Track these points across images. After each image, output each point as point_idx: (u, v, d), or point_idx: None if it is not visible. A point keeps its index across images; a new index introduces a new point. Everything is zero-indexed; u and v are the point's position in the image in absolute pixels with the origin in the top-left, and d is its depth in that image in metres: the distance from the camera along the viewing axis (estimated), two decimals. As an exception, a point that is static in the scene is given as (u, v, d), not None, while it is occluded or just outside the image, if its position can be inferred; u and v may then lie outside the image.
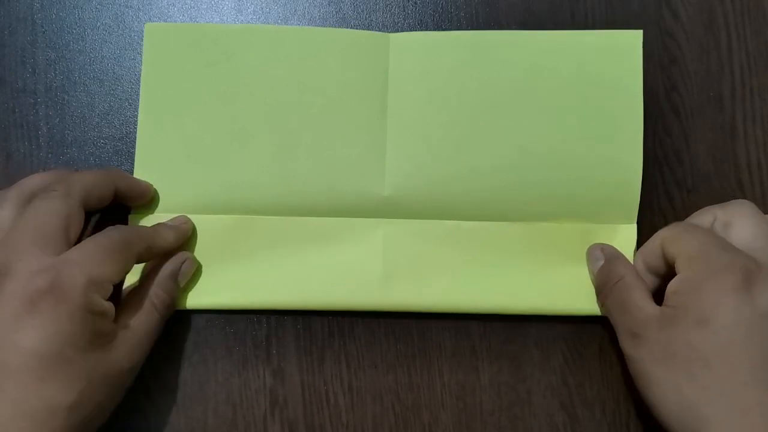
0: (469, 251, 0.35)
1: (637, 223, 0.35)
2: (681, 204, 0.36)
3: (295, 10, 0.37)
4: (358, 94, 0.35)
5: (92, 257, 0.29)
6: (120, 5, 0.37)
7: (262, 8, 0.37)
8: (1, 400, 0.26)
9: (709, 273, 0.29)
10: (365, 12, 0.37)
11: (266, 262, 0.35)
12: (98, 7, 0.37)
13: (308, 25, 0.37)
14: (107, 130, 0.36)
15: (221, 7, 0.37)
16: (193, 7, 0.37)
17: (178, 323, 0.35)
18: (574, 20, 0.37)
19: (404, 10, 0.37)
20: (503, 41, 0.35)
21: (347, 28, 0.37)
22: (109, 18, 0.37)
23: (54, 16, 0.37)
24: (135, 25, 0.37)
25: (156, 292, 0.32)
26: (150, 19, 0.37)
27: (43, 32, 0.37)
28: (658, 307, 0.30)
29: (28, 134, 0.36)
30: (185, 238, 0.34)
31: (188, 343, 0.35)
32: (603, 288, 0.33)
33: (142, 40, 0.36)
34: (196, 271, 0.34)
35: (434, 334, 0.35)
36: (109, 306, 0.29)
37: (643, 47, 0.35)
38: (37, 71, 0.36)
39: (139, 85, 0.35)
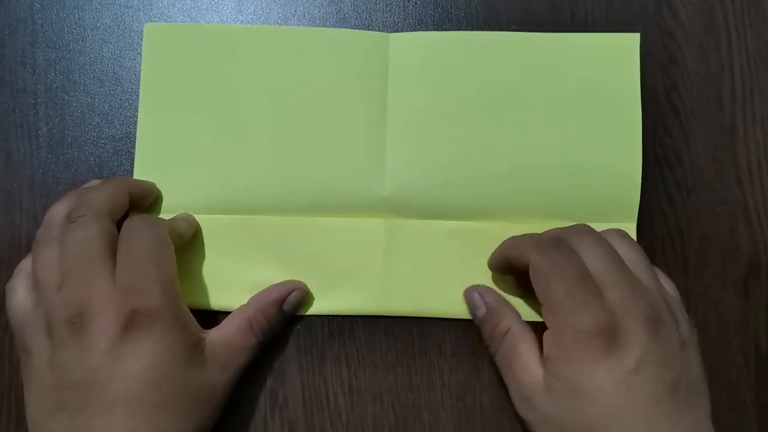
0: (469, 251, 0.35)
1: (637, 223, 0.35)
2: (681, 204, 0.36)
3: (295, 10, 0.37)
4: (358, 94, 0.35)
5: (154, 269, 0.29)
6: (120, 6, 0.37)
7: (262, 8, 0.37)
8: (122, 428, 0.26)
9: (577, 341, 0.28)
10: (365, 12, 0.37)
11: (266, 262, 0.35)
12: (98, 7, 0.37)
13: (308, 25, 0.37)
14: (107, 130, 0.36)
15: (221, 7, 0.37)
16: (194, 8, 0.37)
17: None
18: (574, 20, 0.37)
19: (404, 10, 0.37)
20: (502, 42, 0.35)
21: (347, 28, 0.37)
22: (109, 18, 0.37)
23: (54, 17, 0.37)
24: (135, 25, 0.37)
25: (256, 315, 0.32)
26: (150, 19, 0.37)
27: (44, 32, 0.37)
28: (542, 369, 0.30)
29: (28, 134, 0.36)
30: (194, 228, 0.34)
31: (188, 343, 0.35)
32: (491, 341, 0.33)
33: (142, 40, 0.36)
34: (196, 272, 0.34)
35: (434, 334, 0.35)
36: (186, 311, 0.30)
37: (643, 47, 0.35)
38: (37, 71, 0.36)
39: (139, 85, 0.35)
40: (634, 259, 0.30)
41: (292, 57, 0.35)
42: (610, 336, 0.28)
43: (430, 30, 0.37)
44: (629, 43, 0.35)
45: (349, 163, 0.35)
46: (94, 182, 0.34)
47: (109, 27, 0.37)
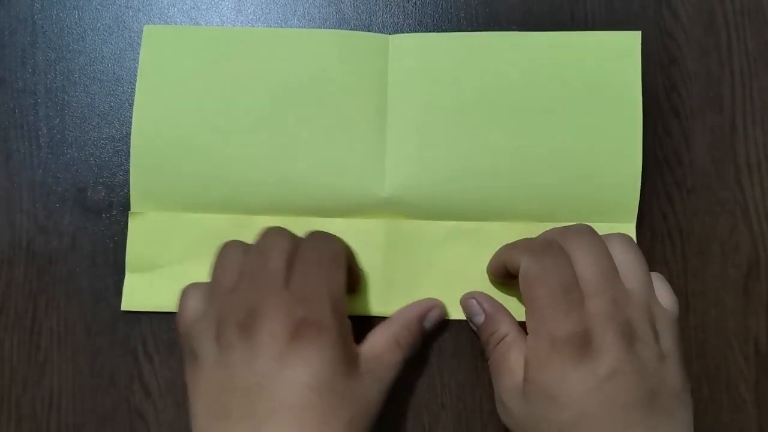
0: (469, 251, 0.35)
1: (637, 223, 0.35)
2: (681, 204, 0.36)
3: (295, 11, 0.37)
4: (358, 95, 0.35)
5: (326, 283, 0.29)
6: (120, 6, 0.37)
7: (262, 9, 0.37)
8: None
9: (552, 347, 0.28)
10: (365, 12, 0.37)
11: None
12: (98, 7, 0.37)
13: (308, 25, 0.37)
14: (107, 130, 0.36)
15: (221, 7, 0.37)
16: (193, 8, 0.37)
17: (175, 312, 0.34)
18: (574, 21, 0.37)
19: (404, 11, 0.37)
20: (502, 42, 0.35)
21: (347, 28, 0.37)
22: (110, 19, 0.37)
23: (54, 17, 0.37)
24: (135, 25, 0.37)
25: (401, 331, 0.32)
26: (150, 20, 0.37)
27: (44, 33, 0.37)
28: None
29: (28, 134, 0.36)
30: (359, 280, 0.34)
31: (188, 343, 0.35)
32: (487, 346, 0.33)
33: (141, 41, 0.36)
34: (194, 273, 0.34)
35: (434, 334, 0.35)
36: (348, 323, 0.30)
37: (643, 47, 0.35)
38: (37, 72, 0.36)
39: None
40: (631, 268, 0.30)
41: (291, 59, 0.35)
42: (583, 345, 0.28)
43: (430, 30, 0.37)
44: (630, 42, 0.35)
45: (349, 163, 0.35)
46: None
47: (109, 27, 0.37)
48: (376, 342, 0.31)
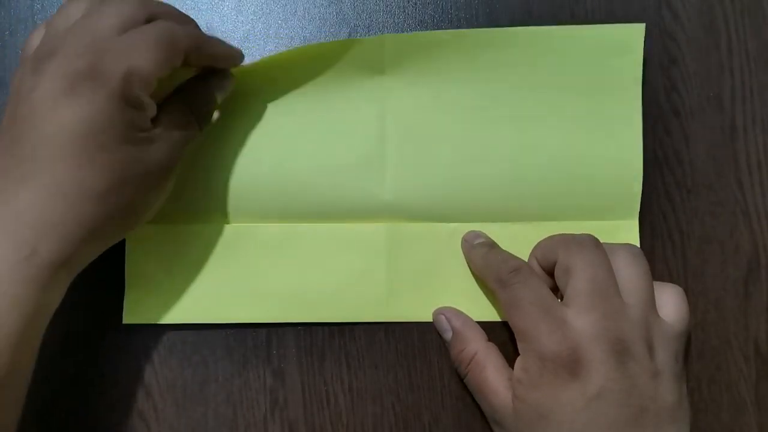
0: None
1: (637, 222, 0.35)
2: (681, 204, 0.36)
3: (295, 11, 0.37)
4: (356, 99, 0.35)
5: (136, 47, 0.28)
6: (120, 6, 0.37)
7: (262, 8, 0.37)
8: (40, 179, 0.27)
9: (542, 368, 0.29)
10: (365, 12, 0.37)
11: (267, 271, 0.35)
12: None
13: (308, 25, 0.37)
14: (107, 130, 0.36)
15: (221, 7, 0.37)
16: (194, 8, 0.37)
17: (178, 323, 0.34)
18: (574, 20, 0.37)
19: (404, 11, 0.37)
20: (501, 38, 0.35)
21: (347, 28, 0.37)
22: (110, 19, 0.37)
23: (54, 17, 0.37)
24: (135, 25, 0.37)
25: (194, 101, 0.32)
26: (150, 19, 0.37)
27: (44, 33, 0.37)
28: (511, 392, 0.30)
29: (28, 135, 0.36)
30: (233, 58, 0.33)
31: (188, 343, 0.35)
32: (458, 364, 0.33)
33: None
34: (195, 284, 0.34)
35: (434, 334, 0.35)
36: (149, 102, 0.29)
37: (644, 47, 0.35)
38: (37, 72, 0.36)
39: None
40: (631, 282, 0.30)
41: (289, 73, 0.35)
42: (572, 363, 0.28)
43: (430, 30, 0.37)
44: (634, 35, 0.35)
45: (350, 168, 0.35)
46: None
47: (110, 27, 0.37)
48: (169, 115, 0.30)
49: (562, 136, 0.35)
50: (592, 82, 0.35)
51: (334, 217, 0.35)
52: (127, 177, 0.28)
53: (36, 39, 0.30)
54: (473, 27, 0.37)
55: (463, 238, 0.35)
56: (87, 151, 0.27)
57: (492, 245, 0.34)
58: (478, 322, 0.34)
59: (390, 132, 0.35)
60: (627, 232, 0.35)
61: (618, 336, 0.28)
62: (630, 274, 0.30)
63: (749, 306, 0.35)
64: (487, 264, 0.33)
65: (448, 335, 0.34)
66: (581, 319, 0.29)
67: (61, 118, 0.27)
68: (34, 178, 0.27)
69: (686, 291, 0.32)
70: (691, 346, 0.35)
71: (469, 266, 0.35)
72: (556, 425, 0.28)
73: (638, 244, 0.35)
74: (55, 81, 0.27)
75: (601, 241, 0.32)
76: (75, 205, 0.27)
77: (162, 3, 0.31)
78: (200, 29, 0.33)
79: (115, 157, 0.27)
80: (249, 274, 0.34)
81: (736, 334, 0.35)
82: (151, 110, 0.29)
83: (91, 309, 0.35)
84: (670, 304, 0.31)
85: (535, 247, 0.33)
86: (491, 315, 0.34)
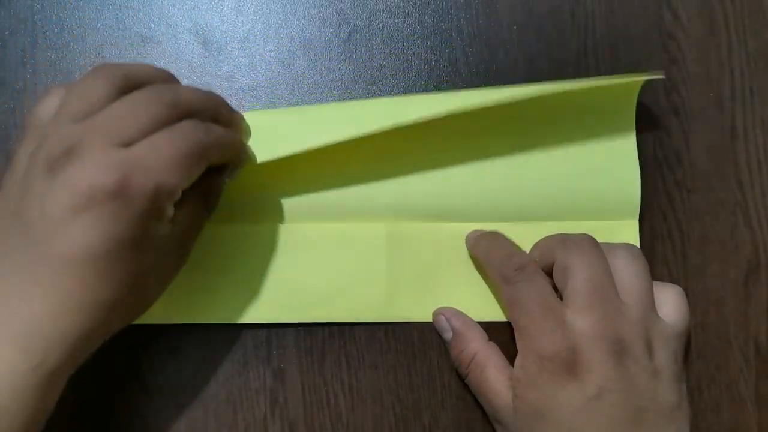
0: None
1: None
2: (681, 204, 0.36)
3: (295, 11, 0.37)
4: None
5: (164, 162, 0.26)
6: (120, 6, 0.37)
7: (262, 8, 0.37)
8: (54, 288, 0.25)
9: (541, 366, 0.29)
10: (365, 12, 0.37)
11: (266, 272, 0.34)
12: (99, 8, 0.37)
13: (308, 25, 0.37)
14: (107, 130, 0.36)
15: (221, 7, 0.37)
16: (194, 8, 0.37)
17: (178, 323, 0.34)
18: (574, 20, 0.37)
19: (404, 11, 0.37)
20: (498, 96, 0.33)
21: (347, 28, 0.37)
22: (110, 19, 0.37)
23: (54, 17, 0.37)
24: (135, 26, 0.37)
25: (208, 193, 0.30)
26: (150, 20, 0.37)
27: (44, 33, 0.37)
28: (511, 391, 0.31)
29: (28, 135, 0.36)
30: (248, 156, 0.32)
31: (188, 343, 0.35)
32: (458, 365, 0.33)
33: (142, 41, 0.36)
34: (195, 286, 0.34)
35: (434, 334, 0.35)
36: (171, 210, 0.27)
37: (643, 47, 0.35)
38: (37, 72, 0.36)
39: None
40: (629, 282, 0.30)
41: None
42: (570, 362, 0.28)
43: (431, 30, 0.37)
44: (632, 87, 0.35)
45: (349, 166, 0.35)
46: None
47: (110, 28, 0.37)
48: (180, 206, 0.28)
49: (561, 136, 0.35)
50: (589, 96, 0.35)
51: (334, 217, 0.35)
52: (142, 283, 0.27)
53: (46, 108, 0.28)
54: (473, 27, 0.37)
55: (467, 237, 0.35)
56: (104, 265, 0.26)
57: (495, 235, 0.34)
58: (479, 322, 0.34)
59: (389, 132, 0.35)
60: (627, 232, 0.35)
61: (617, 336, 0.28)
62: (628, 274, 0.30)
63: (749, 306, 0.35)
64: (491, 257, 0.33)
65: (448, 335, 0.34)
66: (580, 319, 0.29)
67: (79, 234, 0.25)
68: (47, 286, 0.25)
69: (686, 291, 0.32)
70: (691, 346, 0.35)
71: (471, 257, 0.35)
72: (555, 425, 0.28)
73: (638, 244, 0.35)
74: (74, 195, 0.25)
75: (601, 241, 0.32)
76: (88, 315, 0.26)
77: (189, 92, 0.29)
78: (223, 105, 0.31)
79: (132, 268, 0.26)
80: (249, 275, 0.34)
81: (736, 334, 0.35)
82: (171, 214, 0.28)
83: (91, 309, 0.35)
84: (670, 304, 0.31)
85: (533, 247, 0.33)
86: (492, 315, 0.34)
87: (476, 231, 0.35)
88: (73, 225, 0.25)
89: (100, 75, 0.27)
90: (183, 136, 0.27)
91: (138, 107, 0.27)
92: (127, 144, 0.26)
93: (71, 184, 0.25)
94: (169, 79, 0.30)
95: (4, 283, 0.26)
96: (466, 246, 0.35)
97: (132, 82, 0.28)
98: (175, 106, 0.27)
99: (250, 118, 0.32)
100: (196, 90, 0.29)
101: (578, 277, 0.30)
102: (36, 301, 0.25)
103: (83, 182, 0.25)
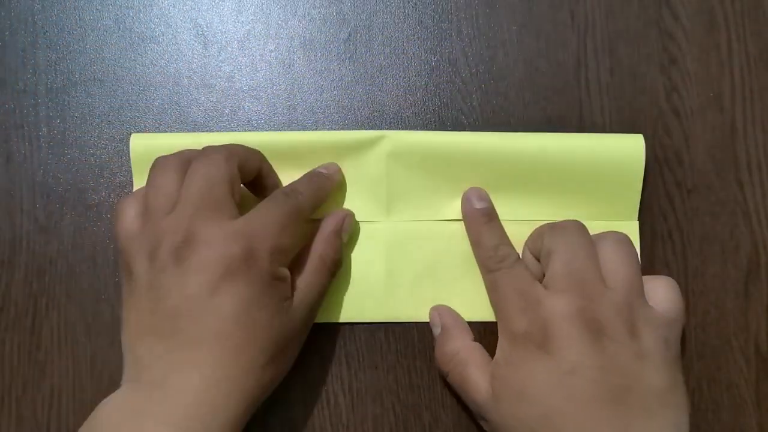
0: (470, 251, 0.35)
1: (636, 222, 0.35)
2: (681, 204, 0.36)
3: (295, 11, 0.37)
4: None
5: (272, 228, 0.29)
6: (120, 6, 0.37)
7: (262, 9, 0.37)
8: (206, 362, 0.27)
9: (514, 343, 0.30)
10: (365, 12, 0.37)
11: None
12: (99, 8, 0.37)
13: (308, 25, 0.37)
14: (108, 130, 0.36)
15: (221, 7, 0.37)
16: (194, 8, 0.37)
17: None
18: (573, 20, 0.37)
19: (404, 11, 0.37)
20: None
21: (347, 29, 0.37)
22: (110, 19, 0.37)
23: (55, 17, 0.37)
24: (135, 26, 0.37)
25: (325, 250, 0.32)
26: (151, 20, 0.37)
27: (44, 33, 0.37)
28: (490, 380, 0.31)
29: (28, 135, 0.36)
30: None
31: (188, 343, 0.35)
32: (440, 361, 0.33)
33: (142, 41, 0.36)
34: None
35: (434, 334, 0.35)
36: (287, 272, 0.30)
37: (643, 47, 0.35)
38: (37, 72, 0.37)
39: (141, 86, 0.35)
40: (614, 266, 0.30)
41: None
42: (542, 339, 0.29)
43: (431, 30, 0.37)
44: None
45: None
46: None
47: (110, 28, 0.37)
48: (303, 272, 0.32)
49: (563, 138, 0.35)
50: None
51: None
52: (283, 345, 0.29)
53: (128, 220, 0.30)
54: (473, 27, 0.37)
55: (464, 195, 0.35)
56: (246, 331, 0.28)
57: (491, 217, 0.34)
58: (479, 323, 0.34)
59: (390, 133, 0.35)
60: (627, 232, 0.35)
61: (593, 316, 0.29)
62: (614, 260, 0.30)
63: (749, 306, 0.35)
64: (480, 243, 0.33)
65: (437, 330, 0.34)
66: (555, 298, 0.29)
67: (219, 305, 0.27)
68: (196, 365, 0.27)
69: (686, 291, 0.32)
70: (691, 346, 0.35)
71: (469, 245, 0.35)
72: (535, 403, 0.28)
73: (638, 245, 0.35)
74: (208, 272, 0.27)
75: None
76: (239, 384, 0.27)
77: (238, 148, 0.32)
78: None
79: (272, 332, 0.29)
80: None
81: (736, 334, 0.35)
82: (289, 278, 0.30)
83: (91, 308, 0.35)
84: (660, 292, 0.31)
85: (528, 238, 0.34)
86: (492, 315, 0.34)
87: (473, 190, 0.35)
88: (218, 297, 0.27)
89: (162, 168, 0.30)
90: (279, 204, 0.30)
91: (211, 180, 0.29)
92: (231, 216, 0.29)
93: (206, 262, 0.27)
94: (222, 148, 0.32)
95: (162, 371, 0.27)
96: (461, 210, 0.35)
97: (187, 162, 0.30)
98: (239, 167, 0.31)
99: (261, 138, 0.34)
100: (240, 146, 0.32)
101: (558, 258, 0.30)
102: (185, 383, 0.27)
103: (217, 256, 0.28)
